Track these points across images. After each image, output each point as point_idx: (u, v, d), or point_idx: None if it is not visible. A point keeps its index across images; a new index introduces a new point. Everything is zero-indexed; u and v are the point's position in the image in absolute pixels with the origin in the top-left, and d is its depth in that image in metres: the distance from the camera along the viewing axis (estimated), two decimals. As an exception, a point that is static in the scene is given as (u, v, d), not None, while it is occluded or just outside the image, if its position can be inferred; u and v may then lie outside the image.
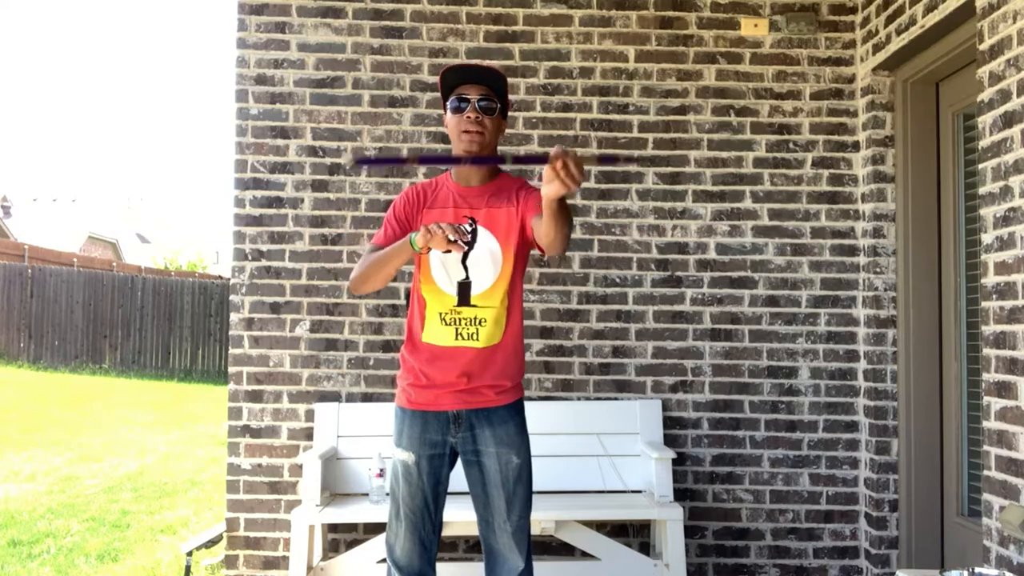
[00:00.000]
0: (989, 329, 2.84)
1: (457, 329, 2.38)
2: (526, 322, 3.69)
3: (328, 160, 3.88)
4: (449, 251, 2.25)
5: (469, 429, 2.43)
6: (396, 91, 3.89)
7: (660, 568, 3.47)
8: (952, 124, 3.58)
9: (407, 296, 3.83)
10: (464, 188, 2.45)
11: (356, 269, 2.40)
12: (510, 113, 3.84)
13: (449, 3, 3.90)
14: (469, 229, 2.39)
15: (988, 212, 2.85)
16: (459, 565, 3.73)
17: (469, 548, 3.81)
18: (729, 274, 3.89)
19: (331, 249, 3.87)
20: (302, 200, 3.87)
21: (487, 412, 2.42)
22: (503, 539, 2.43)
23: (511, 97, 3.86)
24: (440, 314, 2.39)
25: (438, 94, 3.85)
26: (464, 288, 2.39)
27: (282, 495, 3.81)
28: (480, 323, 2.38)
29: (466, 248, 2.35)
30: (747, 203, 3.90)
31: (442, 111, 2.47)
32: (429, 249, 2.24)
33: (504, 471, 2.41)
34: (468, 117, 2.35)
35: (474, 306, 2.39)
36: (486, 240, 2.41)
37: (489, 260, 2.40)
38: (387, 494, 3.52)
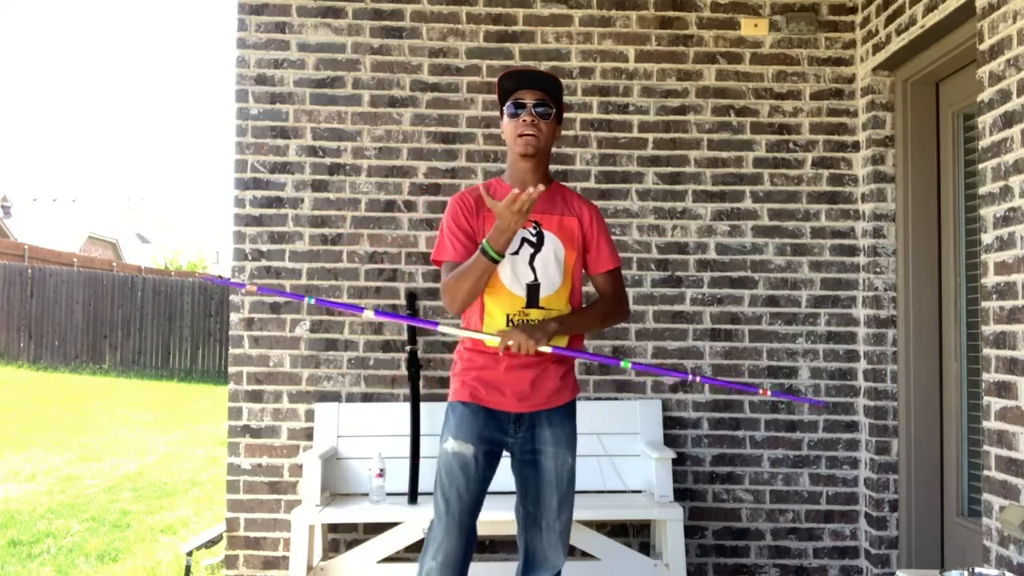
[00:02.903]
0: (989, 329, 2.84)
1: None
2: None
3: (328, 160, 3.88)
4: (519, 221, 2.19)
5: (530, 428, 2.43)
6: (396, 91, 3.89)
7: (660, 568, 3.47)
8: (952, 124, 3.58)
9: (408, 297, 3.84)
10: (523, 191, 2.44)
11: (444, 294, 2.39)
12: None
13: (449, 3, 3.90)
14: (534, 233, 2.42)
15: (988, 212, 2.85)
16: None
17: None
18: (729, 274, 3.89)
19: (331, 249, 3.87)
20: (302, 200, 3.87)
21: (548, 412, 2.44)
22: (550, 538, 2.43)
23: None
24: (508, 316, 2.39)
25: (438, 94, 3.88)
26: (533, 290, 2.40)
27: (282, 495, 3.81)
28: None
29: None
30: (747, 203, 3.90)
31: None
32: (502, 255, 2.25)
33: (560, 471, 2.43)
34: (524, 121, 2.39)
35: (543, 308, 2.40)
36: (552, 243, 2.43)
37: (555, 263, 2.42)
38: (375, 498, 3.53)
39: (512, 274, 2.39)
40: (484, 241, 2.25)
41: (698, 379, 2.55)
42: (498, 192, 2.47)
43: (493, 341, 2.34)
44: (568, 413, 2.49)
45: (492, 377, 2.41)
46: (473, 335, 2.40)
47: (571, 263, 2.47)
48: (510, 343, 2.29)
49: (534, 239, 2.42)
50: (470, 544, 2.41)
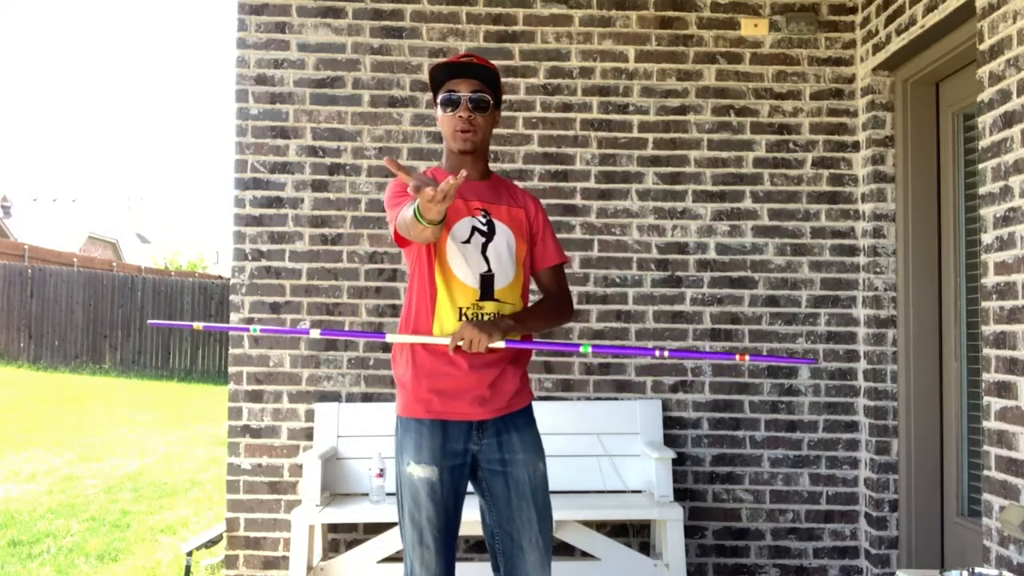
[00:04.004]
0: (989, 329, 2.84)
1: None
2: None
3: (328, 160, 3.88)
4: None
5: (495, 435, 2.26)
6: (396, 91, 3.89)
7: (660, 568, 3.47)
8: (952, 124, 3.58)
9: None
10: (465, 181, 2.23)
11: (397, 225, 2.11)
12: (511, 113, 3.86)
13: (449, 3, 3.90)
14: (484, 221, 2.28)
15: (988, 212, 2.85)
16: (459, 565, 3.72)
17: (469, 548, 3.81)
18: (729, 274, 3.89)
19: (331, 249, 3.87)
20: (302, 200, 3.87)
21: (512, 416, 2.28)
22: (533, 557, 2.24)
23: (512, 97, 3.87)
24: (461, 309, 2.21)
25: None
26: (487, 281, 2.23)
27: (282, 495, 3.81)
28: None
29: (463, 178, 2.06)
30: (747, 203, 3.90)
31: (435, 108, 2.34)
32: (436, 223, 1.95)
33: (533, 480, 2.26)
34: (460, 116, 2.24)
35: (497, 301, 2.24)
36: (503, 232, 2.28)
37: (507, 253, 2.28)
38: (375, 498, 3.53)
39: (465, 264, 2.22)
40: (415, 207, 1.93)
41: (666, 354, 2.38)
42: (437, 180, 2.22)
43: (444, 341, 2.18)
44: (531, 417, 2.34)
45: (447, 385, 2.21)
46: (422, 340, 2.21)
47: (522, 255, 2.32)
48: (460, 342, 2.12)
49: (484, 227, 2.26)
50: (453, 562, 2.26)
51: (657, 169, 3.90)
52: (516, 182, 3.79)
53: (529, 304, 2.38)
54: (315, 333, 2.43)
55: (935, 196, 3.67)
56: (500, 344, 2.17)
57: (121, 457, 7.32)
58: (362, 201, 3.88)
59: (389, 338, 2.29)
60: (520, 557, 2.24)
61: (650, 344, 3.86)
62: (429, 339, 2.21)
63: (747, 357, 2.27)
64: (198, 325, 2.32)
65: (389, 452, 3.59)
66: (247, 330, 2.37)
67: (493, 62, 3.82)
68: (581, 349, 2.40)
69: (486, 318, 2.22)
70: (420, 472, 2.20)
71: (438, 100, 2.29)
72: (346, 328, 3.84)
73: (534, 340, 2.34)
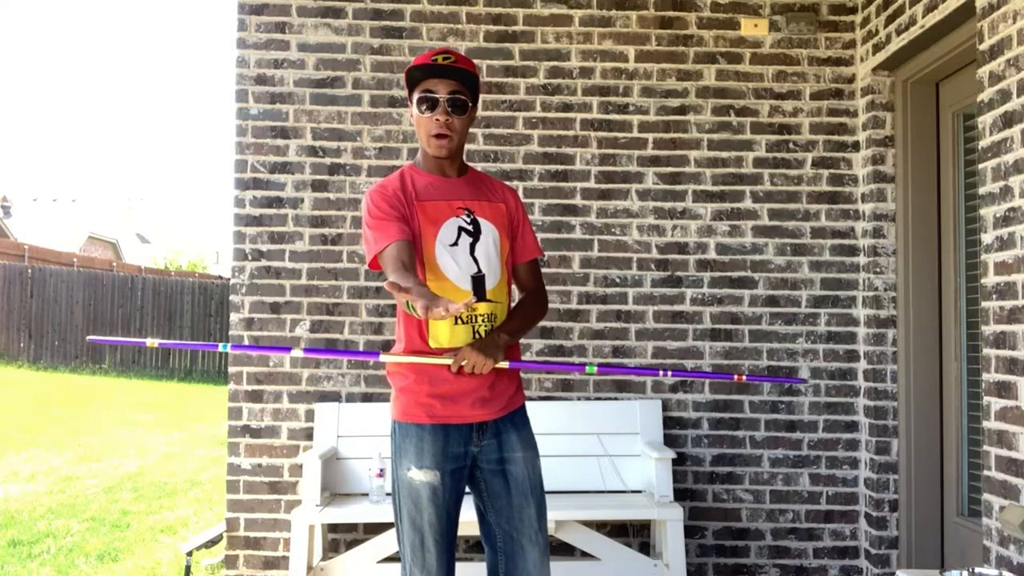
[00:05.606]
0: (989, 329, 2.84)
1: (474, 327, 2.20)
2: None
3: (328, 160, 3.88)
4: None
5: (495, 435, 2.25)
6: (396, 91, 3.89)
7: (660, 568, 3.47)
8: (952, 124, 3.58)
9: (407, 296, 3.83)
10: (444, 179, 2.29)
11: (389, 274, 2.10)
12: (511, 113, 3.87)
13: (449, 3, 3.90)
14: (468, 220, 2.26)
15: (988, 212, 2.85)
16: (459, 565, 3.72)
17: (469, 548, 3.81)
18: (729, 274, 3.89)
19: (331, 249, 3.87)
20: (302, 200, 3.87)
21: (511, 415, 2.28)
22: (533, 555, 2.23)
23: (512, 97, 3.87)
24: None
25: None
26: (479, 282, 2.21)
27: (282, 495, 3.81)
28: (495, 320, 2.24)
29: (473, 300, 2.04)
30: (747, 203, 3.90)
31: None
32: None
33: (532, 477, 2.25)
34: (437, 120, 2.20)
35: (489, 301, 2.23)
36: (488, 230, 2.26)
37: (495, 251, 2.26)
38: (375, 498, 3.53)
39: (457, 268, 2.20)
40: (408, 303, 1.92)
41: (669, 374, 2.38)
42: (419, 179, 2.28)
43: (444, 361, 2.17)
44: (526, 416, 2.34)
45: (448, 389, 2.19)
46: (418, 360, 2.19)
47: (506, 251, 2.30)
48: (464, 363, 2.14)
49: (470, 227, 2.24)
50: (452, 571, 2.25)
51: (657, 169, 3.90)
52: (516, 182, 3.82)
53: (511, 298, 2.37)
54: (297, 352, 2.35)
55: (935, 196, 3.67)
56: (504, 365, 2.19)
57: (121, 457, 7.32)
58: (362, 201, 3.87)
59: (383, 357, 2.25)
60: (521, 555, 2.24)
61: (650, 346, 3.86)
62: (428, 360, 2.19)
63: (744, 377, 2.34)
64: (152, 342, 2.23)
65: (389, 452, 3.60)
66: (215, 347, 2.30)
67: (492, 62, 3.85)
68: (587, 370, 2.38)
69: (479, 320, 2.22)
70: (422, 477, 2.19)
71: (414, 99, 2.24)
72: (345, 329, 3.84)
73: (540, 361, 2.33)
